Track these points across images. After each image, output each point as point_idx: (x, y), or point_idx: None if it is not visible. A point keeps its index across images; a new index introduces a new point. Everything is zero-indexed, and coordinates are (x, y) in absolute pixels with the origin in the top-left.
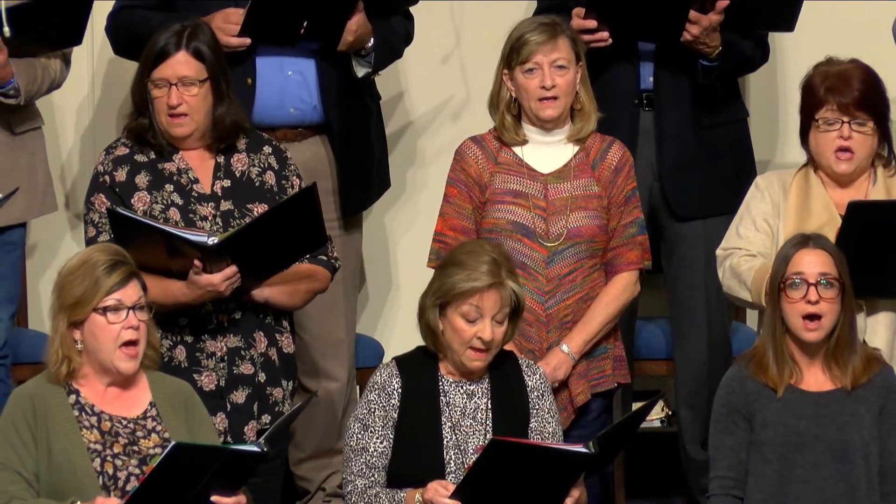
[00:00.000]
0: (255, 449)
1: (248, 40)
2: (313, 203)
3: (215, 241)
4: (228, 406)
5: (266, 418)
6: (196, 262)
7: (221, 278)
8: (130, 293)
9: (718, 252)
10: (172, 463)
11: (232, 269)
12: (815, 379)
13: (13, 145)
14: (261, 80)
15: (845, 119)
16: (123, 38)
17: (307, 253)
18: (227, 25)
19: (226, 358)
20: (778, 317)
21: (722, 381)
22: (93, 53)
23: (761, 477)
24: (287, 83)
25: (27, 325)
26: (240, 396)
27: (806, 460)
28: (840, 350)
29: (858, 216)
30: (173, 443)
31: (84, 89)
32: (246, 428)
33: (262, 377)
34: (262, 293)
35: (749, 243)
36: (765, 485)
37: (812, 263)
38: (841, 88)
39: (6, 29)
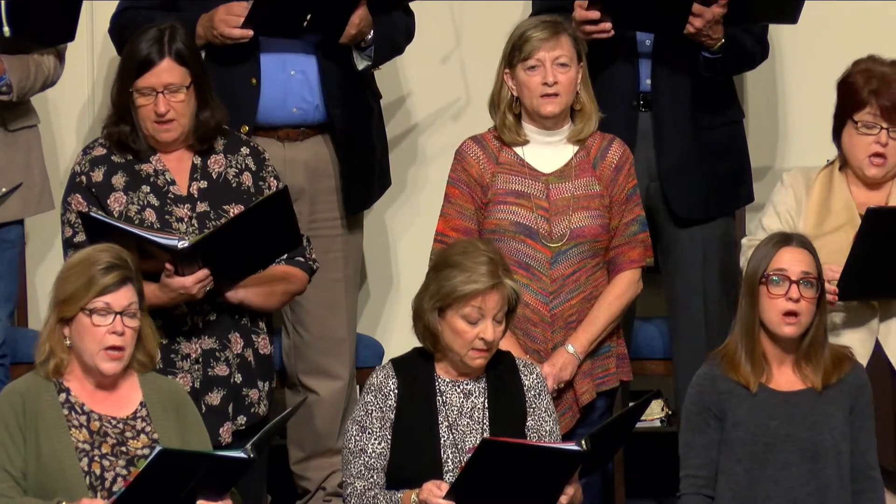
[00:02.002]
0: (242, 455)
1: (250, 32)
2: (286, 205)
3: (185, 245)
4: (203, 408)
5: (242, 420)
6: (167, 265)
7: (193, 281)
8: (121, 298)
9: (744, 242)
10: (158, 468)
11: (203, 272)
12: (786, 378)
13: (8, 143)
14: (264, 80)
15: (884, 125)
16: (128, 38)
17: (281, 255)
18: (230, 17)
19: (200, 359)
20: (755, 314)
21: (693, 379)
22: (93, 54)
23: (732, 476)
24: (290, 82)
25: (27, 324)
26: (215, 398)
27: (777, 459)
28: (812, 350)
29: (876, 222)
30: (158, 448)
31: (84, 90)
32: (221, 429)
33: (237, 378)
34: (237, 295)
35: None
36: (735, 484)
37: (795, 262)
38: (884, 92)
39: (6, 29)
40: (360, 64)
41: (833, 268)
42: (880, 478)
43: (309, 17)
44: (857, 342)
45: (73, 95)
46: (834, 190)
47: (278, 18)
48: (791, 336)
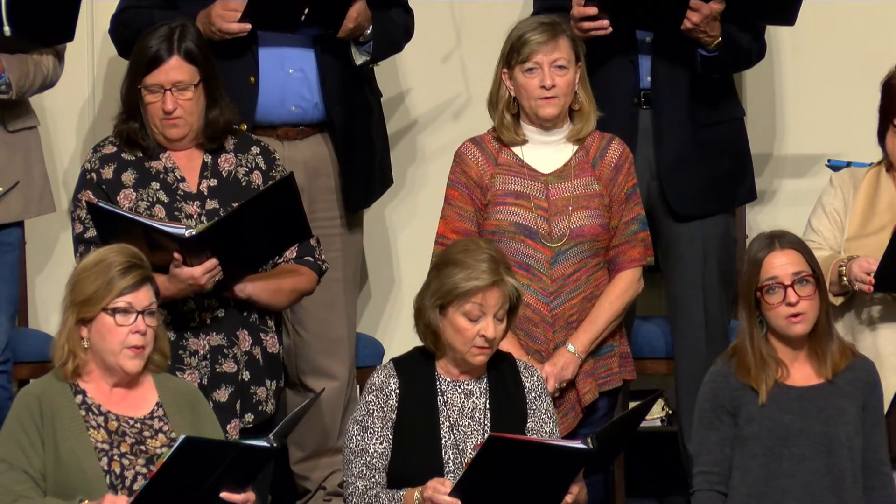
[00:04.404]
0: (265, 444)
1: (248, 26)
2: (292, 193)
3: (193, 233)
4: (211, 404)
5: (249, 417)
6: (175, 255)
7: (202, 271)
8: (142, 297)
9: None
10: (183, 457)
11: (212, 261)
12: (802, 373)
13: (7, 143)
14: (262, 78)
15: None
16: (129, 37)
17: (290, 245)
18: (227, 13)
19: (208, 356)
20: (754, 322)
21: (706, 377)
22: (93, 54)
23: (747, 471)
24: (288, 81)
25: (27, 324)
26: (222, 395)
27: (792, 454)
28: (820, 339)
29: None
30: (183, 436)
31: (84, 91)
32: (228, 426)
33: (245, 376)
34: (245, 290)
35: (822, 237)
36: (751, 479)
37: (784, 265)
38: None
39: (6, 28)
40: (358, 59)
41: (869, 259)
42: (892, 474)
43: (307, 10)
44: (891, 342)
45: (73, 96)
46: (880, 190)
47: (276, 12)
48: (802, 333)
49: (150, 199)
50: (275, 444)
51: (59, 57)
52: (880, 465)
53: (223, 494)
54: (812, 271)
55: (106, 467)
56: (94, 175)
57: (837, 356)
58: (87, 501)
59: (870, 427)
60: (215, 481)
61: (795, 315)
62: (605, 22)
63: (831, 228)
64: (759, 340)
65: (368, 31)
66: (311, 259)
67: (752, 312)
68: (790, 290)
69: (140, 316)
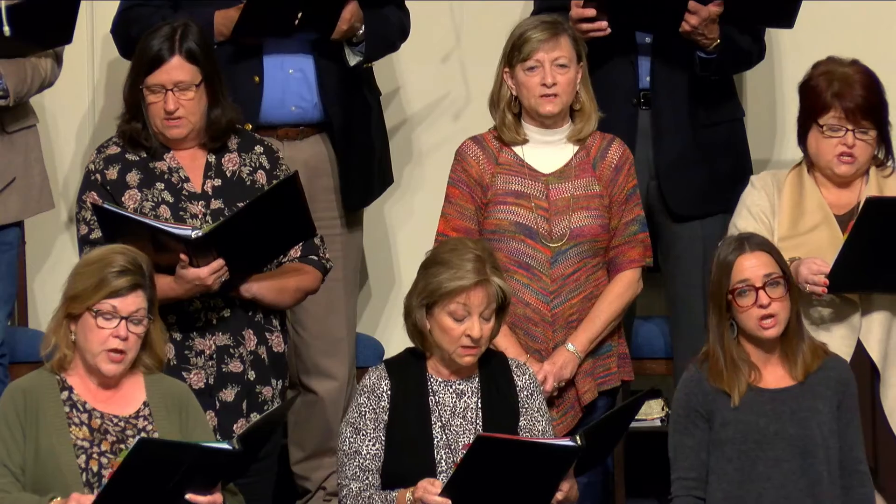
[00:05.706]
0: (226, 446)
1: None
2: (296, 192)
3: (199, 234)
4: (217, 404)
5: (255, 416)
6: (182, 255)
7: (208, 272)
8: (129, 303)
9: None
10: (139, 459)
11: (219, 262)
12: (774, 376)
13: (6, 144)
14: (264, 79)
15: (850, 127)
16: (135, 35)
17: (295, 244)
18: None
19: (214, 356)
20: (725, 325)
21: (679, 383)
22: (93, 58)
23: (723, 475)
24: (288, 81)
25: (27, 324)
26: (229, 394)
27: (768, 457)
28: (791, 341)
29: (874, 212)
30: (138, 438)
31: (84, 91)
32: (235, 426)
33: (251, 375)
34: (250, 289)
35: None
36: (727, 483)
37: (754, 267)
38: (847, 94)
39: (6, 28)
40: (352, 60)
41: (818, 261)
42: (868, 472)
43: (300, 15)
44: (839, 339)
45: (73, 97)
46: (805, 191)
47: (270, 19)
48: (773, 337)
49: (155, 200)
50: (236, 447)
51: (58, 59)
52: (856, 464)
53: (188, 496)
54: (782, 272)
55: (83, 465)
56: (98, 176)
57: (809, 357)
58: (58, 498)
59: (844, 426)
60: (180, 482)
61: (767, 317)
62: (604, 23)
63: (759, 229)
64: (730, 343)
65: (361, 32)
66: (316, 258)
67: (722, 316)
68: (762, 293)
69: (123, 321)
